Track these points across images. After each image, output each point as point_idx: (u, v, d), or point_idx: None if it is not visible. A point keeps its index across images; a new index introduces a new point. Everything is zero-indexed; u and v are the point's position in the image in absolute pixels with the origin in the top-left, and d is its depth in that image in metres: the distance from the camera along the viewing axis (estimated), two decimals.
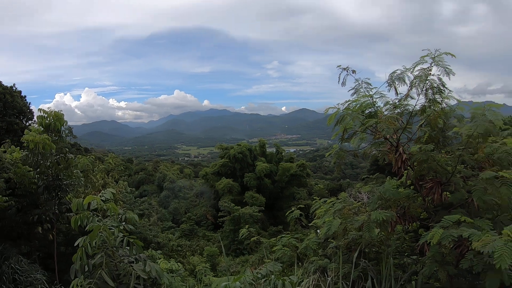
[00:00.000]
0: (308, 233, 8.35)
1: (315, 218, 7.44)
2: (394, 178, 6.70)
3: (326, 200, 7.30)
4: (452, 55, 6.02)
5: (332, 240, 6.97)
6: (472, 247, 4.33)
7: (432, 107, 6.17)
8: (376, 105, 6.49)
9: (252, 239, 8.97)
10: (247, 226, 9.67)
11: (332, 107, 6.55)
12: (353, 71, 6.62)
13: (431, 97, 6.18)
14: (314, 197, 8.16)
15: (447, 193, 5.89)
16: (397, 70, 6.39)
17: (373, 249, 6.68)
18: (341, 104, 6.51)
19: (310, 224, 8.04)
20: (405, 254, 6.71)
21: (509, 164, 5.63)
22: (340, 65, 6.64)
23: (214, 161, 75.53)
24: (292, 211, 8.48)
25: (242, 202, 54.56)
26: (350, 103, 6.47)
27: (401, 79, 6.30)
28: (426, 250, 5.27)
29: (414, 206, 6.04)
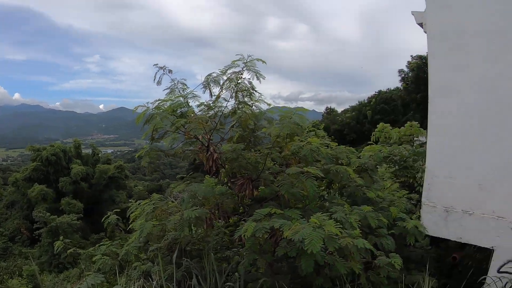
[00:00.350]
0: (128, 238, 8.04)
1: (131, 221, 7.16)
2: (213, 176, 6.82)
3: (141, 202, 7.05)
4: (263, 62, 6.35)
5: (151, 243, 6.79)
6: (284, 235, 4.62)
7: (242, 109, 6.41)
8: (190, 105, 6.51)
9: (68, 251, 8.34)
10: (61, 237, 8.93)
11: (142, 106, 6.37)
12: (170, 71, 6.54)
13: (241, 99, 6.44)
14: (131, 200, 7.86)
15: (263, 188, 6.22)
16: (213, 73, 6.51)
17: (195, 247, 6.72)
18: (151, 103, 6.37)
19: (129, 228, 7.74)
20: (226, 248, 6.88)
21: (314, 161, 6.19)
22: (157, 64, 6.53)
23: (26, 165, 68.33)
24: (108, 216, 8.07)
25: (59, 210, 50.45)
26: (160, 102, 6.36)
27: (217, 82, 6.44)
28: (244, 242, 5.47)
29: (227, 202, 6.20)
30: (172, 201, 7.05)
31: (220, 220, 6.46)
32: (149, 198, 6.88)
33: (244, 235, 4.98)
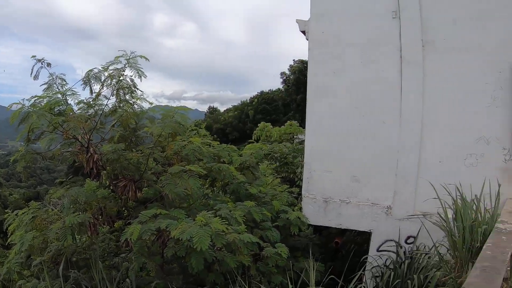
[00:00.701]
0: (8, 254, 7.43)
1: (9, 234, 6.64)
2: (94, 179, 6.57)
3: (18, 213, 6.55)
4: (146, 59, 6.27)
5: (34, 257, 6.36)
6: (172, 235, 4.64)
7: (123, 108, 6.26)
8: (69, 103, 6.18)
9: None
10: None
11: (17, 103, 5.87)
12: (48, 64, 6.13)
13: (122, 98, 6.28)
14: (7, 211, 7.28)
15: (146, 188, 6.13)
16: (94, 68, 6.28)
17: (81, 257, 6.42)
18: (28, 99, 5.91)
19: (7, 243, 7.16)
20: (114, 254, 6.69)
21: (196, 160, 6.28)
22: (35, 56, 6.10)
23: None
24: None
25: None
26: (37, 99, 5.95)
27: (98, 78, 6.21)
28: (131, 246, 5.37)
29: (110, 206, 6.05)
30: (52, 209, 6.68)
31: (105, 225, 6.22)
32: (27, 207, 6.42)
33: (130, 239, 4.86)
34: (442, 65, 6.82)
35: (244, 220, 5.54)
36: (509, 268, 4.70)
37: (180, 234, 4.57)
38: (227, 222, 5.01)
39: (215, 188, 7.34)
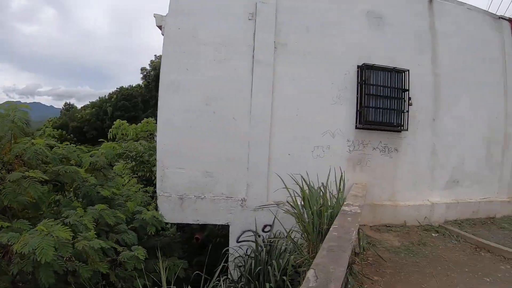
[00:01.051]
0: None
1: None
2: None
3: None
4: None
5: None
6: (15, 249, 4.28)
7: None
8: None
9: None
10: None
11: None
12: None
13: None
14: None
15: None
16: None
17: None
18: None
19: None
20: None
21: (43, 163, 5.86)
22: None
23: None
24: None
25: None
26: None
27: None
28: None
29: None
30: None
31: None
32: None
33: None
34: (293, 66, 7.45)
35: (95, 225, 5.29)
36: (357, 244, 5.21)
37: (23, 247, 4.22)
38: (71, 230, 4.71)
39: (67, 193, 6.90)
